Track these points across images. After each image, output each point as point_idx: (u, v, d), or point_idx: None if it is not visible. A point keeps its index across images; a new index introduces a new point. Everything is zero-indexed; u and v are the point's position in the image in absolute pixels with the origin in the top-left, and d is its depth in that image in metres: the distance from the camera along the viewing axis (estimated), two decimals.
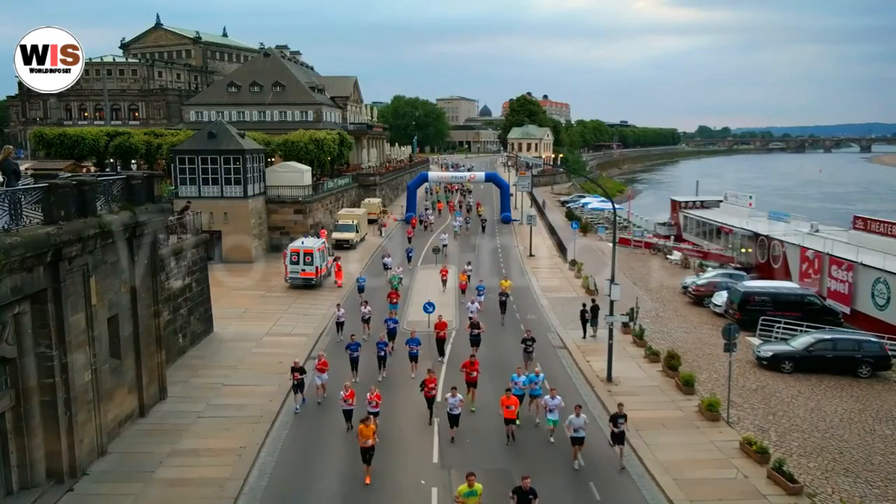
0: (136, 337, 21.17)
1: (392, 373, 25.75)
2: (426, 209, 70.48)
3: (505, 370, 24.46)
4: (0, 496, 15.56)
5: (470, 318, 28.94)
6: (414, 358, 25.02)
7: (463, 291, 37.11)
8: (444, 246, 49.97)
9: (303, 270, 38.93)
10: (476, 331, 27.26)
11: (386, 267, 42.89)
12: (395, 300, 32.77)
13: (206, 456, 18.90)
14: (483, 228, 60.83)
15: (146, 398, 21.53)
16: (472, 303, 31.00)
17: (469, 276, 38.27)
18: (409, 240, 54.32)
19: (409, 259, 46.94)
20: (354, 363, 24.64)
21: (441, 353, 27.32)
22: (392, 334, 27.59)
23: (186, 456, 18.89)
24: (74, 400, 17.09)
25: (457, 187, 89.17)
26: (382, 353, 25.12)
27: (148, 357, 21.81)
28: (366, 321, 30.13)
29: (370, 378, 24.38)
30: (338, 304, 31.35)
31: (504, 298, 32.91)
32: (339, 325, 29.89)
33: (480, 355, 26.02)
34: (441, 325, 27.34)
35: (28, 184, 17.82)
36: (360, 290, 36.88)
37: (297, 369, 22.25)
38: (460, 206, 75.01)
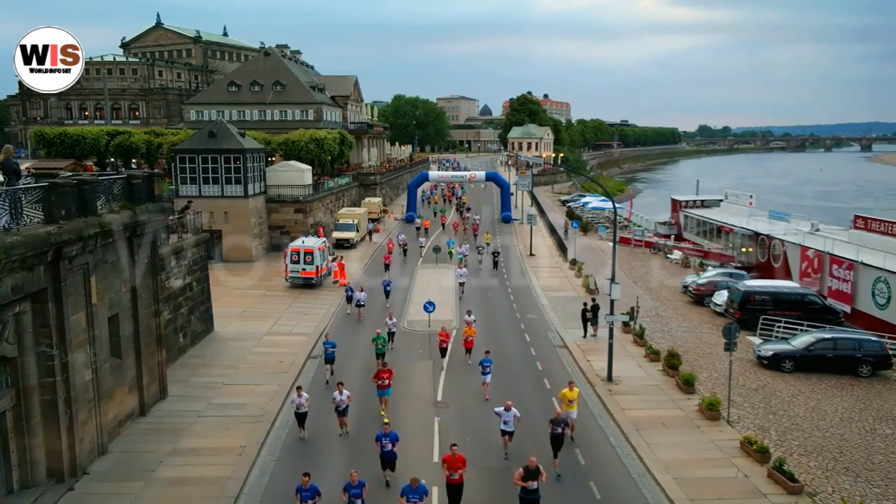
0: (136, 336, 21.16)
1: None
2: (416, 227, 60.11)
3: None
4: (0, 495, 15.55)
5: (505, 437, 18.89)
6: None
7: (468, 351, 26.98)
8: (462, 284, 38.63)
9: (303, 270, 38.93)
10: (533, 485, 15.37)
11: (357, 303, 33.42)
12: (385, 381, 21.46)
13: (206, 455, 18.89)
14: (495, 264, 45.78)
15: (147, 397, 21.52)
16: (508, 410, 18.69)
17: (472, 327, 27.76)
18: (387, 267, 42.82)
19: (388, 293, 36.30)
20: None
21: None
22: (389, 459, 17.37)
23: (187, 455, 18.88)
24: (75, 399, 17.08)
25: (458, 185, 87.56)
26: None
27: (148, 356, 21.81)
28: (341, 412, 20.12)
29: None
30: (298, 387, 21.13)
31: (560, 429, 18.29)
32: (301, 417, 20.20)
33: None
34: (456, 463, 15.75)
35: (29, 183, 17.77)
36: (329, 359, 24.91)
37: None
38: (464, 229, 60.90)
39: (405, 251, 49.60)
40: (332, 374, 24.50)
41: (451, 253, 47.64)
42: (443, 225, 63.60)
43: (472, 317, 28.65)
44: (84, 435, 17.60)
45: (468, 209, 71.10)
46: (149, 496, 16.70)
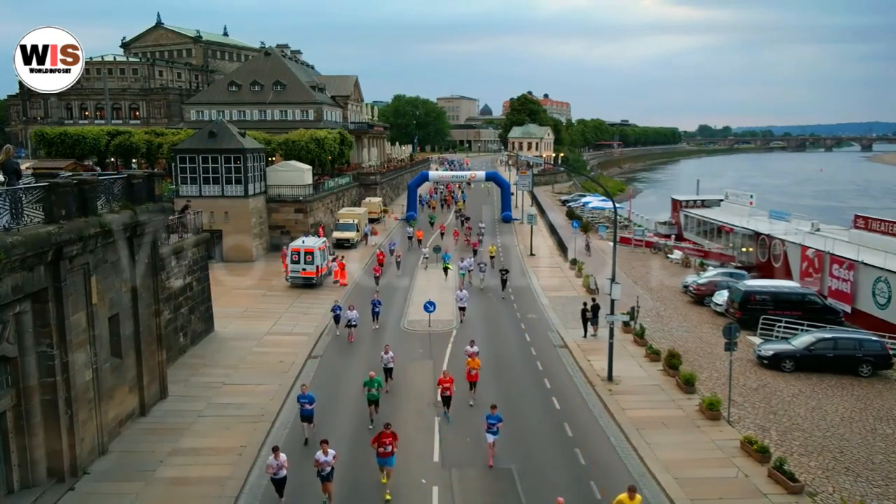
0: (136, 336, 21.17)
1: None
2: (408, 236, 55.56)
3: None
4: (1, 495, 15.56)
5: None
6: None
7: (472, 385, 23.22)
8: (462, 309, 33.07)
9: (303, 270, 38.94)
10: None
11: (348, 323, 29.82)
12: (389, 447, 17.24)
13: (206, 455, 18.91)
14: (503, 283, 39.41)
15: (147, 397, 21.53)
16: None
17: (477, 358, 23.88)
18: (377, 280, 39.54)
19: (376, 315, 31.86)
20: None
21: None
22: None
23: (187, 455, 18.89)
24: (75, 399, 17.09)
25: (457, 187, 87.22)
26: None
27: (149, 356, 21.82)
28: (325, 478, 16.65)
29: None
30: (274, 448, 17.00)
31: None
32: (278, 483, 16.75)
33: None
34: None
35: (29, 183, 17.78)
36: (306, 417, 20.39)
37: None
38: (467, 241, 53.14)
39: (398, 264, 44.59)
40: (311, 434, 20.24)
41: (446, 269, 42.77)
42: (441, 234, 56.74)
43: (476, 347, 24.42)
44: (84, 435, 17.60)
45: (467, 218, 63.80)
46: (149, 496, 16.71)
